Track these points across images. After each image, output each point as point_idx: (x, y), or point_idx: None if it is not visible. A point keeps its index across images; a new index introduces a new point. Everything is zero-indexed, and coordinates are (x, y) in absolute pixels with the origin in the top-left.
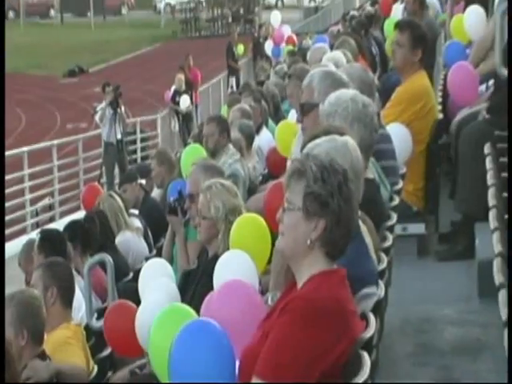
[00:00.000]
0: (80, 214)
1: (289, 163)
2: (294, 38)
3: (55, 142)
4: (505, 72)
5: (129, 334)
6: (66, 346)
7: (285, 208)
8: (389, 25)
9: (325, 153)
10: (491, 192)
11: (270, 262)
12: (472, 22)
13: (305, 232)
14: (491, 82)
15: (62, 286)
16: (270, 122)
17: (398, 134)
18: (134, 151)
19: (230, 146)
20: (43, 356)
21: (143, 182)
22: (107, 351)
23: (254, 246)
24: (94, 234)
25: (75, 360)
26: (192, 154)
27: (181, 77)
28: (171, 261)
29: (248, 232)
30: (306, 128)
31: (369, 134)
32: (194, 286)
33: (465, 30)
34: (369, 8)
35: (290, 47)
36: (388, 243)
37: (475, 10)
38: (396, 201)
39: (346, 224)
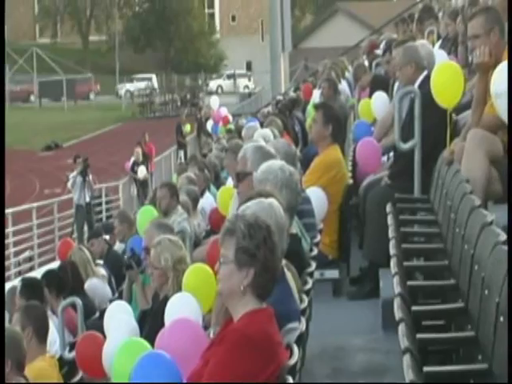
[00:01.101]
0: (55, 264)
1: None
2: (230, 117)
3: (35, 204)
4: (403, 146)
5: (96, 358)
6: (42, 374)
7: (221, 261)
8: (310, 107)
9: (253, 213)
10: (392, 243)
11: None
12: (377, 104)
13: (238, 280)
14: (391, 153)
15: (36, 325)
16: (212, 187)
17: (316, 197)
18: (100, 212)
19: (179, 207)
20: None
21: (107, 237)
22: (77, 377)
23: (200, 290)
24: (66, 280)
25: None
26: (145, 214)
27: (138, 150)
28: (130, 301)
29: (196, 278)
30: (240, 192)
31: (294, 198)
32: (150, 323)
33: (371, 111)
34: (292, 93)
35: (228, 126)
36: (308, 286)
37: (380, 95)
38: (315, 251)
39: (272, 270)
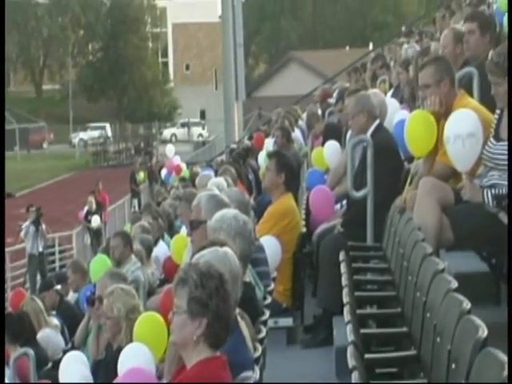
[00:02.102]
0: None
1: None
2: (183, 166)
3: None
4: (355, 194)
5: None
6: None
7: (174, 312)
8: (262, 156)
9: (207, 261)
10: (345, 291)
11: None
12: (330, 152)
13: (191, 330)
14: (344, 201)
15: None
16: (166, 235)
17: (270, 245)
18: (53, 261)
19: (133, 256)
20: None
21: (59, 287)
22: None
23: (152, 340)
24: (19, 330)
25: None
26: (99, 263)
27: (92, 199)
28: (83, 346)
29: (148, 328)
30: (194, 241)
31: (248, 246)
32: (103, 373)
33: (324, 159)
34: (246, 142)
35: (182, 174)
36: (262, 335)
37: (332, 144)
38: (268, 300)
39: (225, 319)
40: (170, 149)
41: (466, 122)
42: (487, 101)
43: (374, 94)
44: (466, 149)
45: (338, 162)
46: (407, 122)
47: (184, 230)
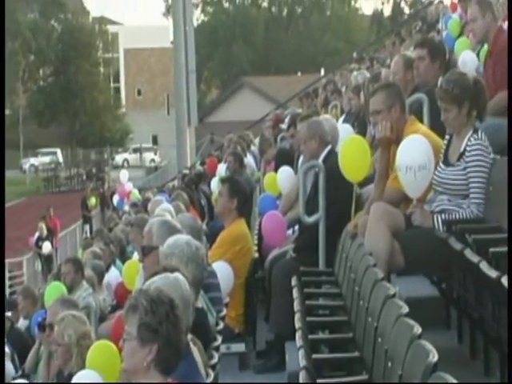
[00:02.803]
0: None
1: None
2: (136, 192)
3: None
4: (307, 219)
5: None
6: None
7: (124, 338)
8: (215, 181)
9: (157, 287)
10: (297, 316)
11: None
12: (282, 178)
13: (141, 357)
14: (296, 227)
15: None
16: (118, 261)
17: (222, 271)
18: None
19: (84, 282)
20: None
21: (10, 314)
22: None
23: (105, 367)
24: None
25: None
26: (54, 290)
27: (43, 225)
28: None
29: (99, 355)
30: (146, 267)
31: (200, 272)
32: None
33: (276, 184)
34: (198, 167)
35: (134, 200)
36: (214, 360)
37: (285, 169)
38: (221, 325)
39: (176, 345)
40: (123, 174)
41: (417, 153)
42: (437, 127)
43: (325, 120)
44: (417, 179)
45: (291, 187)
46: (341, 148)
47: (136, 256)
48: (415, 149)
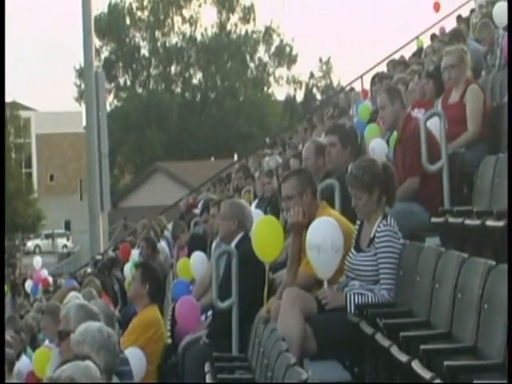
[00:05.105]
0: None
1: None
2: (50, 279)
3: None
4: (220, 304)
5: None
6: None
7: None
8: (128, 266)
9: (68, 375)
10: None
11: None
12: (196, 263)
13: None
14: (210, 312)
15: None
16: (28, 349)
17: (135, 357)
18: None
19: None
20: None
21: None
22: None
23: None
24: None
25: None
26: None
27: None
28: None
29: None
30: (63, 351)
31: (112, 359)
32: None
33: (190, 270)
34: (111, 253)
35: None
36: None
37: (198, 254)
38: None
39: None
40: (37, 261)
41: (327, 233)
42: (348, 212)
43: (246, 205)
44: (327, 260)
45: (204, 273)
46: (254, 228)
47: (47, 344)
48: (325, 229)
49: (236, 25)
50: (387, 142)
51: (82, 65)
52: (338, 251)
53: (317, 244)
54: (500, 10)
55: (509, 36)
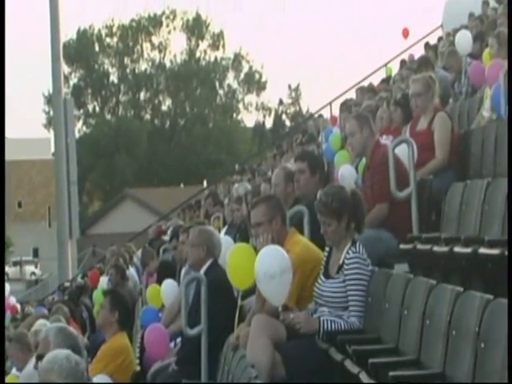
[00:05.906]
0: None
1: None
2: (18, 307)
3: None
4: (189, 331)
5: None
6: None
7: None
8: (97, 294)
9: None
10: None
11: None
12: (165, 290)
13: None
14: (179, 339)
15: None
16: None
17: None
18: None
19: None
20: None
21: None
22: None
23: None
24: None
25: None
26: None
27: None
28: None
29: None
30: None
31: None
32: None
33: (159, 296)
34: (80, 280)
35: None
36: None
37: (167, 281)
38: None
39: None
40: (5, 288)
41: (275, 260)
42: (317, 238)
43: (215, 232)
44: (277, 286)
45: (173, 300)
46: (228, 255)
47: (14, 372)
48: (271, 256)
49: (205, 51)
50: (356, 169)
51: (51, 91)
52: (287, 278)
53: (264, 272)
54: (462, 39)
55: (509, 36)
